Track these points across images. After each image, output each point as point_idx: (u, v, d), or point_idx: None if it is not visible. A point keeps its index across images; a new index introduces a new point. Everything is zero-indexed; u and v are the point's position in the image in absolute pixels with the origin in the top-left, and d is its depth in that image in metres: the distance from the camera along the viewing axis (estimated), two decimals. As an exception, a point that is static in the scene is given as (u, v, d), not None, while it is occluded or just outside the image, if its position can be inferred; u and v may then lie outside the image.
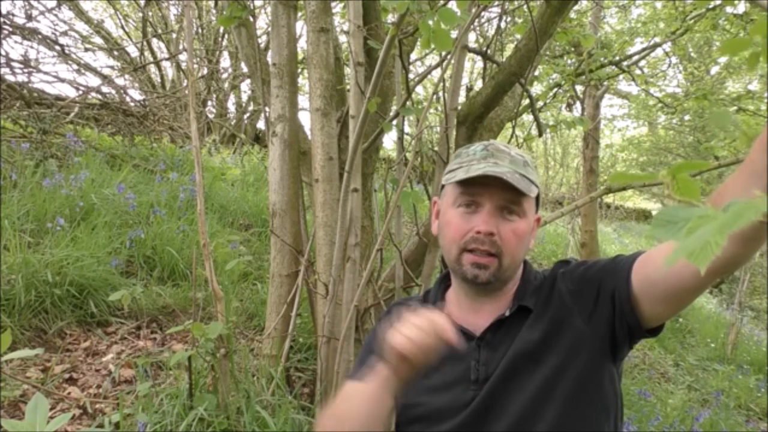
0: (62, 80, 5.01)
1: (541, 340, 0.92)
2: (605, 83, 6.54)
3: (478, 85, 5.19)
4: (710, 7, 5.14)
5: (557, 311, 0.93)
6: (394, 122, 2.25)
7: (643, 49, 6.43)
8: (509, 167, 0.92)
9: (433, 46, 1.51)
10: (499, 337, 0.95)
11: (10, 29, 4.56)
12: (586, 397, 0.90)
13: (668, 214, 0.43)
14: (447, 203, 0.98)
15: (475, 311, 0.99)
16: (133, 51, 7.49)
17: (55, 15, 5.69)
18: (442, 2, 1.98)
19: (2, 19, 4.42)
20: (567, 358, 0.90)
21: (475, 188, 0.92)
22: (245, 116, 8.45)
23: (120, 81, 6.49)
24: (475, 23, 4.07)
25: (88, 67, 5.78)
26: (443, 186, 1.01)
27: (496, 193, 0.92)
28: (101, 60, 11.58)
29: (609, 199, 13.66)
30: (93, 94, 5.25)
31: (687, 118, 8.86)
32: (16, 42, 4.89)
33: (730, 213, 0.38)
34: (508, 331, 0.95)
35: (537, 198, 0.98)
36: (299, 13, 2.84)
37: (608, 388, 0.92)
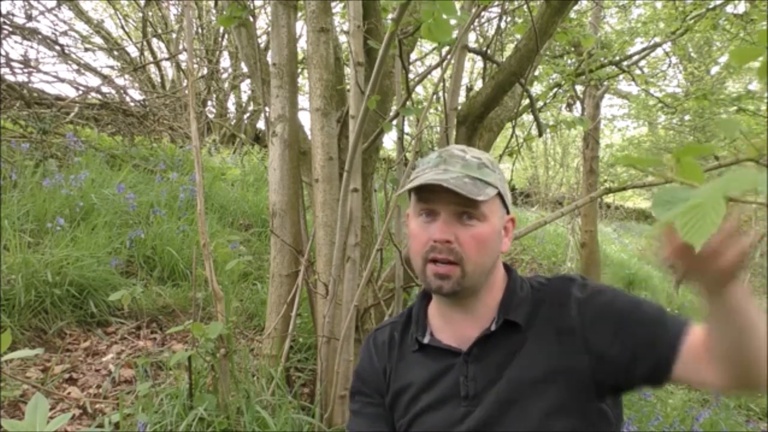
0: (62, 80, 5.02)
1: (545, 369, 0.89)
2: (605, 83, 6.54)
3: (478, 85, 5.19)
4: (710, 7, 5.14)
5: (566, 340, 0.90)
6: (394, 122, 2.25)
7: (643, 49, 6.43)
8: (460, 172, 0.90)
9: (433, 38, 1.51)
10: (487, 351, 0.93)
11: (10, 29, 4.56)
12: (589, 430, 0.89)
13: (668, 194, 0.43)
14: (411, 214, 0.96)
15: (458, 323, 0.97)
16: (133, 51, 7.50)
17: (55, 15, 5.69)
18: None
19: (2, 19, 4.42)
20: (569, 394, 0.88)
21: (430, 195, 0.91)
22: (245, 116, 8.45)
23: (120, 81, 6.50)
24: (475, 23, 4.07)
25: (88, 67, 5.78)
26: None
27: (449, 199, 0.89)
28: (101, 60, 11.60)
29: (609, 199, 13.66)
30: (93, 94, 5.25)
31: (687, 118, 8.86)
32: (16, 42, 4.89)
33: (722, 179, 0.38)
34: (496, 345, 0.93)
35: (502, 198, 0.95)
36: (299, 13, 2.84)
37: (607, 421, 0.91)
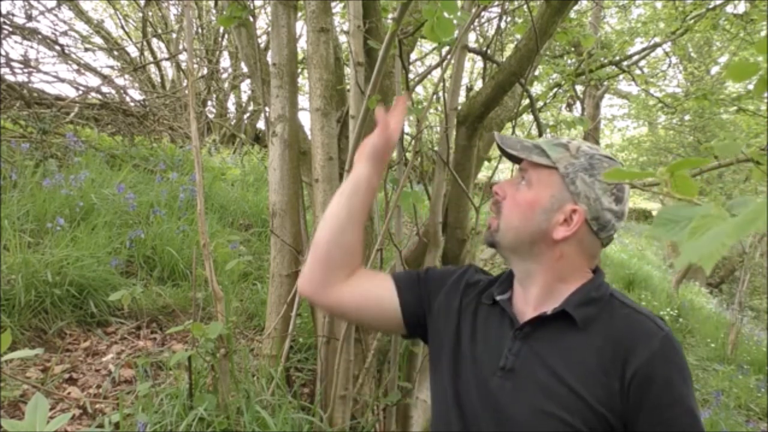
0: (62, 80, 5.02)
1: (579, 380, 0.87)
2: (605, 83, 6.55)
3: (478, 85, 5.19)
4: (710, 7, 5.15)
5: (611, 371, 0.86)
6: (394, 122, 2.25)
7: (643, 49, 6.44)
8: (530, 141, 0.98)
9: (435, 38, 1.52)
10: (537, 334, 0.93)
11: (10, 29, 4.56)
12: None
13: (670, 213, 0.43)
14: None
15: (522, 290, 0.99)
16: (133, 51, 7.51)
17: (55, 15, 5.70)
18: None
19: (2, 19, 4.42)
20: (582, 423, 0.86)
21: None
22: (245, 116, 8.45)
23: (120, 81, 6.50)
24: (475, 23, 4.06)
25: (88, 67, 5.78)
26: None
27: (521, 162, 0.98)
28: (101, 60, 11.61)
29: (609, 199, 13.59)
30: (93, 94, 5.25)
31: (687, 118, 8.86)
32: (16, 42, 4.89)
33: (743, 216, 0.37)
34: (546, 332, 0.92)
35: (566, 180, 0.92)
36: (299, 13, 2.84)
37: None
